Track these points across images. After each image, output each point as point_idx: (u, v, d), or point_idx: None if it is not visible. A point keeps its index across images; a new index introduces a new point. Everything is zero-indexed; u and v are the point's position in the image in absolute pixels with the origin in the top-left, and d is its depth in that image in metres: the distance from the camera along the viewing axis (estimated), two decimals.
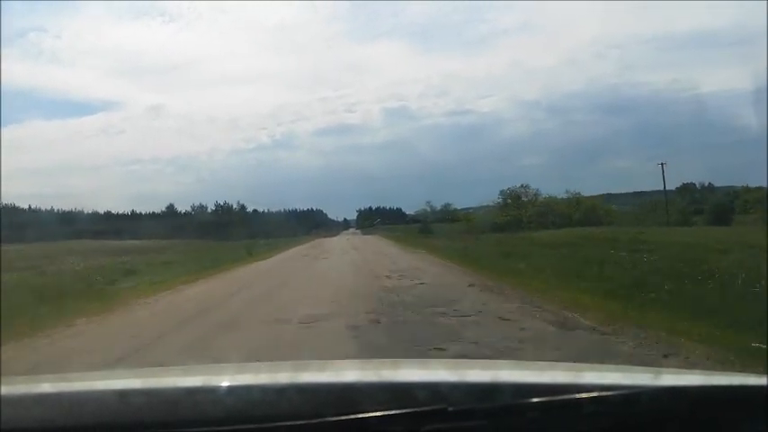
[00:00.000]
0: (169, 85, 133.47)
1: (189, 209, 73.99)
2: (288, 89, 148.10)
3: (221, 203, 75.24)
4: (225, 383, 1.32)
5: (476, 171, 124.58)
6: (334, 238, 51.89)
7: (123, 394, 1.26)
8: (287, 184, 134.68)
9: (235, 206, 76.21)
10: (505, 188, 54.88)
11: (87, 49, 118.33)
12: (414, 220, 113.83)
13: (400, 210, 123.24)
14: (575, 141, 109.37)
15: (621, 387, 1.25)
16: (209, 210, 74.44)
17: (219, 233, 50.59)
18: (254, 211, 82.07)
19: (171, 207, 69.99)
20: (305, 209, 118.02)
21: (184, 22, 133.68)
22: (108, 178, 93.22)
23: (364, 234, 78.57)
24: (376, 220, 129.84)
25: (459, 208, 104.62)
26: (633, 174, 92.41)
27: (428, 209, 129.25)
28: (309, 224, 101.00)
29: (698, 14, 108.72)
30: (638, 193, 62.94)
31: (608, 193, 64.46)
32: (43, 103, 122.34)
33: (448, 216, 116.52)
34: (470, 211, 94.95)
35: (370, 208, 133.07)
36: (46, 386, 1.41)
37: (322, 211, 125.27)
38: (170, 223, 55.63)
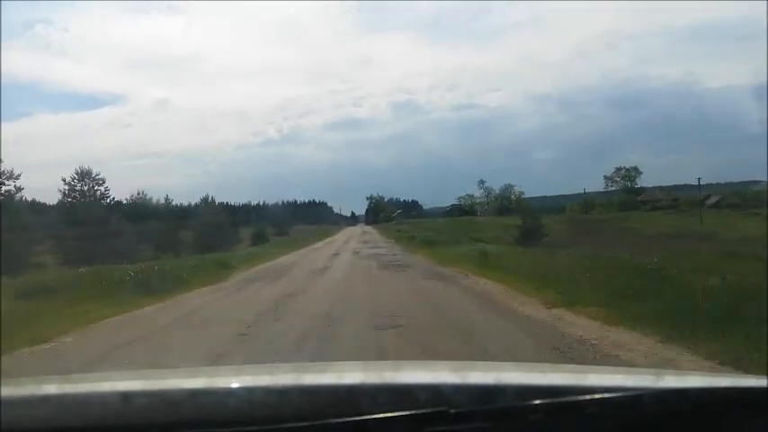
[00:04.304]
0: (176, 79, 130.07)
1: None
2: (296, 82, 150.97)
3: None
4: (227, 385, 1.38)
5: (486, 165, 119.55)
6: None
7: (126, 396, 1.31)
8: (295, 177, 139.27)
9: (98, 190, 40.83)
10: None
11: (94, 42, 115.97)
12: (459, 210, 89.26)
13: (416, 202, 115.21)
14: (587, 135, 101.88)
15: (624, 389, 1.29)
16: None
17: None
18: (182, 205, 54.27)
19: None
20: (306, 201, 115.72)
21: (192, 14, 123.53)
22: (115, 172, 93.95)
23: (391, 247, 35.86)
24: (395, 211, 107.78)
25: (530, 196, 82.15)
26: (645, 168, 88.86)
27: (478, 195, 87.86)
28: (306, 219, 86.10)
29: (714, 7, 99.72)
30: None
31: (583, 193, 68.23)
32: (51, 97, 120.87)
33: (510, 205, 79.52)
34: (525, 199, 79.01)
35: (383, 198, 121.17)
36: (50, 387, 1.44)
37: (326, 204, 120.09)
38: None
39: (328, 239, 52.17)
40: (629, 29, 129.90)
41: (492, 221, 58.46)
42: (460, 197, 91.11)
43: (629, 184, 77.96)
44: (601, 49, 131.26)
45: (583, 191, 76.24)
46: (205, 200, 55.85)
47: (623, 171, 77.51)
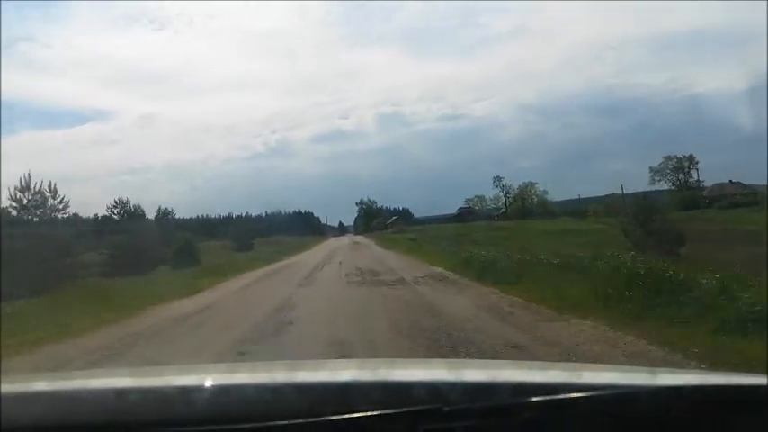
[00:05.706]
0: (161, 94, 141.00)
1: None
2: (282, 96, 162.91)
3: None
4: (220, 382, 1.38)
5: (473, 175, 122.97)
6: None
7: (119, 393, 1.32)
8: (283, 191, 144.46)
9: None
10: None
11: (78, 59, 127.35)
12: (471, 214, 77.58)
13: (407, 210, 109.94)
14: (571, 143, 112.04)
15: (618, 386, 1.30)
16: None
17: None
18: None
19: None
20: (291, 211, 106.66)
21: (175, 29, 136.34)
22: (101, 189, 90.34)
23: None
24: (390, 218, 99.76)
25: (556, 200, 69.67)
26: (631, 175, 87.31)
27: (491, 197, 79.17)
28: (289, 230, 74.44)
29: (694, 14, 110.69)
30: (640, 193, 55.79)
31: (612, 194, 58.85)
32: (33, 114, 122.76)
33: (532, 206, 70.01)
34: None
35: (374, 203, 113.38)
36: (42, 384, 1.43)
37: (312, 214, 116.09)
38: None
39: (300, 256, 39.05)
40: (612, 38, 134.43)
41: (519, 226, 44.00)
42: (469, 199, 79.66)
43: (682, 177, 64.04)
44: (584, 58, 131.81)
45: (620, 190, 63.00)
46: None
47: (674, 161, 63.21)
